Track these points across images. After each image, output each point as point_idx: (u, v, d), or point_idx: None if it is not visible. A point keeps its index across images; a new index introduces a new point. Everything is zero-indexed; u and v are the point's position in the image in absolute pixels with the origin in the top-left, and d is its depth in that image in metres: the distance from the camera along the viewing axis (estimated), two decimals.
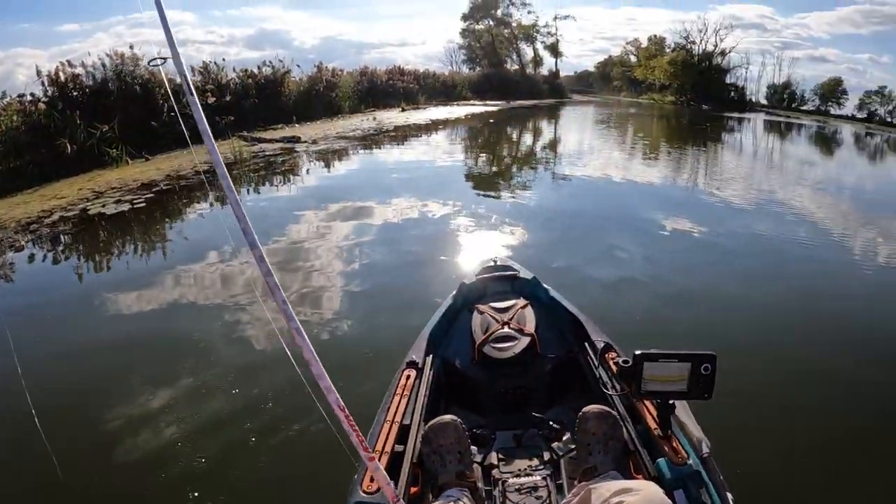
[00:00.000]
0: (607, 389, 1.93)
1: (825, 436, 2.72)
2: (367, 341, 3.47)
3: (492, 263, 2.90)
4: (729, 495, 1.49)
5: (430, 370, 2.17)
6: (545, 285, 2.69)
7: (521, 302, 2.51)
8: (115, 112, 10.29)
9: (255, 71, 15.82)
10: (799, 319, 4.14)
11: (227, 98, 13.69)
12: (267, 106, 15.14)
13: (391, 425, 1.77)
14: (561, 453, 1.90)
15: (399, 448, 1.71)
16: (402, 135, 14.71)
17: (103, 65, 11.26)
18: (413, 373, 2.07)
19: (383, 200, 7.18)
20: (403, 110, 20.62)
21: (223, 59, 15.25)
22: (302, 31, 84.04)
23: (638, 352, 1.60)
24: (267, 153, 10.70)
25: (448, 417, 1.70)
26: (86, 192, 7.52)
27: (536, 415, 2.07)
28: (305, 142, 12.09)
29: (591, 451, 1.62)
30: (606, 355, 2.10)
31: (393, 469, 1.60)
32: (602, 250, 5.51)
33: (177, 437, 2.60)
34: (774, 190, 9.87)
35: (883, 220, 8.29)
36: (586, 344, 2.28)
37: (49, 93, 10.20)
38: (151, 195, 7.37)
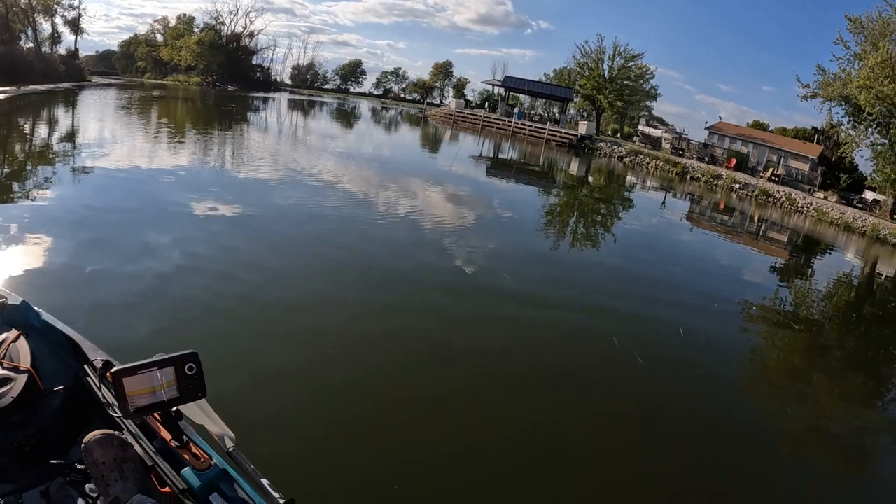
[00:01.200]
0: (113, 412, 1.79)
1: (356, 405, 3.34)
2: None
3: None
4: (264, 481, 1.49)
5: None
6: (36, 308, 2.36)
7: (13, 333, 2.15)
8: None
9: None
10: (320, 285, 4.98)
11: None
12: None
13: None
14: (96, 495, 1.70)
15: None
16: None
17: None
18: None
19: None
20: None
21: None
22: None
23: (114, 369, 1.53)
24: None
25: None
26: None
27: (56, 461, 1.83)
28: None
29: (108, 481, 1.51)
30: (108, 374, 1.82)
31: None
32: (131, 247, 5.42)
33: None
34: (302, 163, 10.82)
35: (396, 178, 10.33)
36: (86, 366, 2.08)
37: None
38: None
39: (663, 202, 17.60)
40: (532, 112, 43.85)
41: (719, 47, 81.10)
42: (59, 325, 2.30)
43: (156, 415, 1.68)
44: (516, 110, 36.28)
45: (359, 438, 3.06)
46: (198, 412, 1.66)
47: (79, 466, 1.75)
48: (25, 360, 2.03)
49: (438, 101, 54.29)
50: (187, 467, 1.54)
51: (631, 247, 9.87)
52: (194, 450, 1.60)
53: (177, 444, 1.62)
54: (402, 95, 62.53)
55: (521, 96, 40.57)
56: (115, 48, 59.10)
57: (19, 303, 2.34)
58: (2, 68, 26.78)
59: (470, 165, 16.99)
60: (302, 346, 4.07)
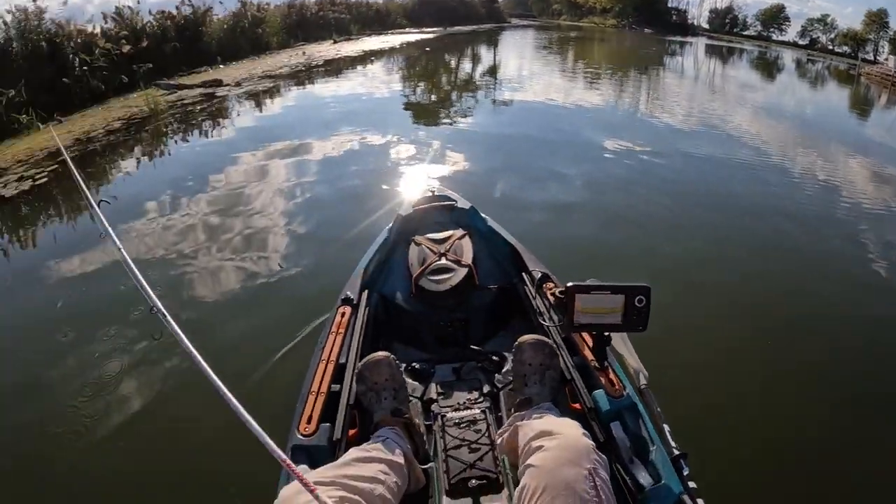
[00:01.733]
0: (544, 321, 1.89)
1: (764, 371, 2.73)
2: (313, 278, 3.43)
3: (429, 193, 2.79)
4: (665, 427, 1.47)
5: (366, 306, 2.09)
6: (483, 214, 2.62)
7: (459, 232, 2.44)
8: (21, 74, 9.30)
9: (174, 12, 14.50)
10: (741, 249, 4.11)
11: (144, 44, 12.51)
12: (189, 49, 14.06)
13: (326, 364, 1.71)
14: (500, 385, 1.90)
15: (335, 388, 1.65)
16: (335, 69, 13.99)
17: (4, 23, 9.98)
18: (348, 310, 1.99)
19: (321, 136, 6.93)
20: (335, 42, 19.64)
21: (137, 2, 13.77)
22: None
23: (570, 284, 1.55)
24: (186, 102, 9.86)
25: (381, 354, 1.65)
26: None
27: (475, 347, 2.06)
28: (227, 85, 11.27)
29: (526, 381, 1.60)
30: (544, 286, 2.04)
31: (330, 410, 1.56)
32: (543, 176, 5.42)
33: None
34: (716, 113, 9.81)
35: (821, 144, 8.44)
36: (524, 274, 2.23)
37: None
38: (54, 167, 6.20)
39: None
40: None
41: None
42: (504, 232, 2.51)
43: (585, 334, 1.72)
44: None
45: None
46: (620, 342, 1.66)
47: (493, 357, 2.00)
48: (468, 257, 2.29)
49: (872, 58, 42.21)
50: (600, 390, 1.55)
51: None
52: (611, 376, 1.59)
53: (597, 366, 1.63)
54: (831, 47, 50.97)
55: None
56: None
57: (468, 207, 2.64)
58: (429, 12, 31.16)
59: None
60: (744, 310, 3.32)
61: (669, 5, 47.29)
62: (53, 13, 10.82)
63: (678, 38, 35.28)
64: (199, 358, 1.25)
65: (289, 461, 0.98)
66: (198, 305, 3.26)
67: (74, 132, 8.16)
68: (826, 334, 3.15)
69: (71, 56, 10.45)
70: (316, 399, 1.56)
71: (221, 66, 14.16)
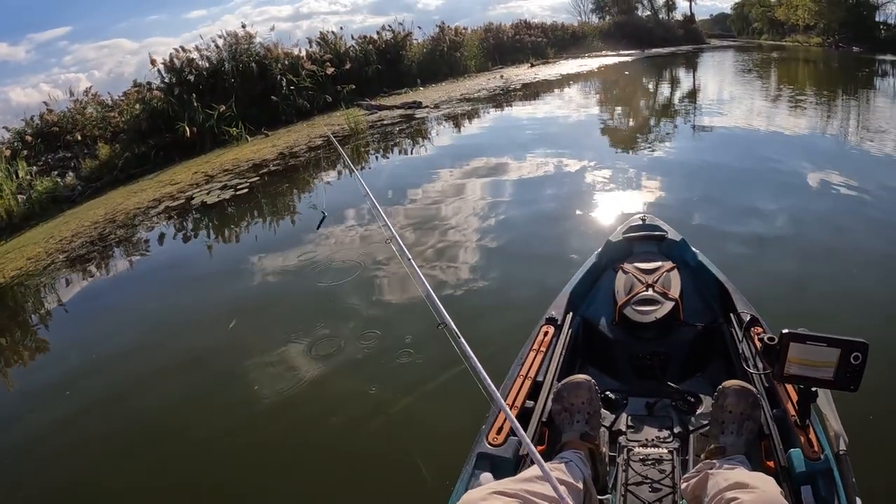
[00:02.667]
0: (748, 367, 1.82)
1: None
2: (504, 296, 3.53)
3: (639, 222, 2.76)
4: (858, 500, 1.35)
5: (569, 328, 2.14)
6: (694, 249, 2.57)
7: (668, 264, 2.40)
8: (232, 91, 10.71)
9: (375, 37, 15.74)
10: None
11: (347, 67, 13.77)
12: (389, 71, 15.23)
13: (524, 380, 1.78)
14: (692, 428, 1.85)
15: (529, 404, 1.73)
16: (533, 92, 14.12)
17: (217, 46, 11.54)
18: (551, 330, 2.07)
19: (517, 157, 7.09)
20: (532, 66, 19.90)
21: (340, 28, 15.13)
22: None
23: (785, 330, 1.46)
24: (385, 122, 10.54)
25: (582, 377, 1.67)
26: (199, 177, 7.76)
27: (672, 384, 2.01)
28: (426, 106, 11.87)
29: (723, 429, 1.54)
30: (752, 330, 1.96)
31: (521, 425, 1.59)
32: (746, 209, 5.06)
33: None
34: None
35: None
36: (731, 315, 2.14)
37: (166, 79, 10.73)
38: (257, 178, 7.24)
39: None
40: None
41: None
42: (714, 269, 2.43)
43: (790, 387, 1.61)
44: None
45: None
46: (824, 400, 1.52)
47: (689, 397, 1.93)
48: (675, 291, 2.23)
49: None
50: (797, 449, 1.46)
51: None
52: (811, 435, 1.48)
53: (797, 423, 1.52)
54: None
55: None
56: (729, 10, 59.00)
57: (678, 240, 2.58)
58: (625, 34, 30.13)
59: None
60: None
61: (878, 19, 40.96)
62: (262, 37, 12.36)
63: (890, 57, 30.67)
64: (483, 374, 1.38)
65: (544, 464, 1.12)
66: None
67: (279, 146, 9.14)
68: None
69: (278, 76, 11.86)
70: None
71: (421, 88, 15.09)
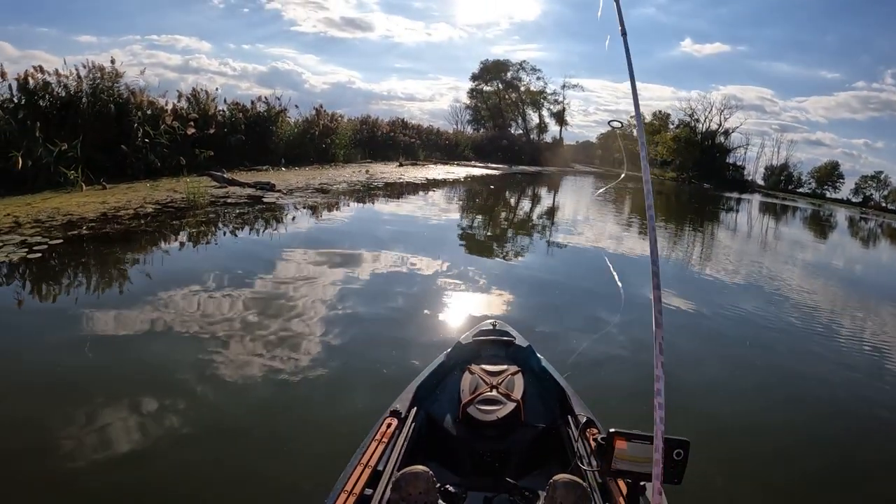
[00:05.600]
0: (582, 464, 1.89)
1: None
2: (345, 392, 3.36)
3: (490, 327, 2.90)
4: None
5: (412, 422, 2.19)
6: (539, 355, 2.69)
7: (513, 368, 2.50)
8: (82, 130, 9.41)
9: (248, 106, 15.02)
10: (782, 407, 4.03)
11: (212, 131, 12.82)
12: (255, 145, 14.46)
13: (363, 469, 1.81)
14: None
15: (368, 492, 1.74)
16: (396, 192, 13.88)
17: (78, 76, 10.16)
18: (395, 422, 2.11)
19: (373, 250, 7.00)
20: (401, 165, 20.21)
21: (217, 89, 14.06)
22: (314, 75, 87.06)
23: (612, 430, 1.56)
24: (229, 200, 9.40)
25: (421, 468, 1.66)
26: (7, 221, 6.30)
27: (510, 480, 2.02)
28: (279, 191, 10.96)
29: None
30: (587, 430, 2.08)
31: None
32: (590, 321, 5.38)
33: None
34: (766, 271, 10.01)
35: (874, 306, 8.47)
36: (569, 417, 2.29)
37: (15, 98, 9.19)
38: (61, 241, 5.75)
39: None
40: None
41: None
42: (556, 374, 2.58)
43: (622, 483, 1.71)
44: None
45: None
46: (654, 493, 1.49)
47: (526, 493, 1.94)
48: (518, 393, 2.34)
49: None
50: None
51: None
52: None
53: None
54: (884, 205, 51.37)
55: None
56: (594, 140, 66.27)
57: (525, 346, 2.75)
58: (497, 148, 32.29)
59: None
60: None
61: (727, 161, 47.68)
62: (130, 78, 11.09)
63: (735, 195, 35.73)
64: None
65: None
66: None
67: (109, 204, 7.86)
68: None
69: (136, 125, 10.61)
70: (347, 499, 1.63)
71: (283, 168, 14.37)
